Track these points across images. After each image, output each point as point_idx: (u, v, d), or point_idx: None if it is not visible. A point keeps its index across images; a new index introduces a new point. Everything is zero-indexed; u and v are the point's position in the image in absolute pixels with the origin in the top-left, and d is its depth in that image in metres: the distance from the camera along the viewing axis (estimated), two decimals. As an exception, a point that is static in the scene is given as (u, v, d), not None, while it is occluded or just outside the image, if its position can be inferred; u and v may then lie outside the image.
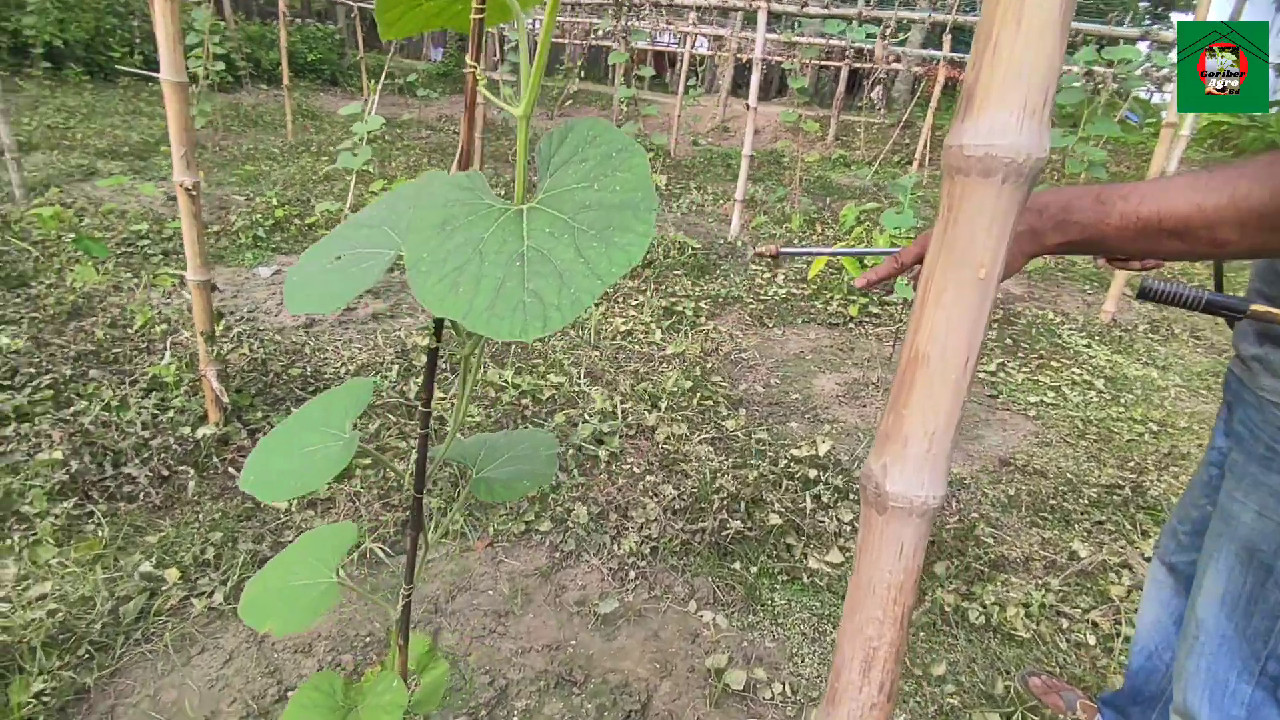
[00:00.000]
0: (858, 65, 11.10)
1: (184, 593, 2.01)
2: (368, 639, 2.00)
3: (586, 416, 2.96)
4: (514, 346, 3.61)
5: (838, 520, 2.55)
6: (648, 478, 2.66)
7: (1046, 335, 4.66)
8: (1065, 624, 2.25)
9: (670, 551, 2.40)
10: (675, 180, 8.21)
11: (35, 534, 2.07)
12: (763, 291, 4.86)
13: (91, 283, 3.64)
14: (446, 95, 13.75)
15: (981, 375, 4.02)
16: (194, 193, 2.32)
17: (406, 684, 1.16)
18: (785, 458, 2.91)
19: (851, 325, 4.55)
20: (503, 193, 0.67)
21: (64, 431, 2.36)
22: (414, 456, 0.93)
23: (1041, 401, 3.77)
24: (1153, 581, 1.60)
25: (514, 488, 0.99)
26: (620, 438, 2.90)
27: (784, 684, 1.97)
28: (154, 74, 2.23)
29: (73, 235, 3.88)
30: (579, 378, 3.32)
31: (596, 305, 4.31)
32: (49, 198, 4.95)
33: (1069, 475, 3.07)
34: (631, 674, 1.98)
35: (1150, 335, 4.99)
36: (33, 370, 2.70)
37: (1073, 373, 4.12)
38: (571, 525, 2.44)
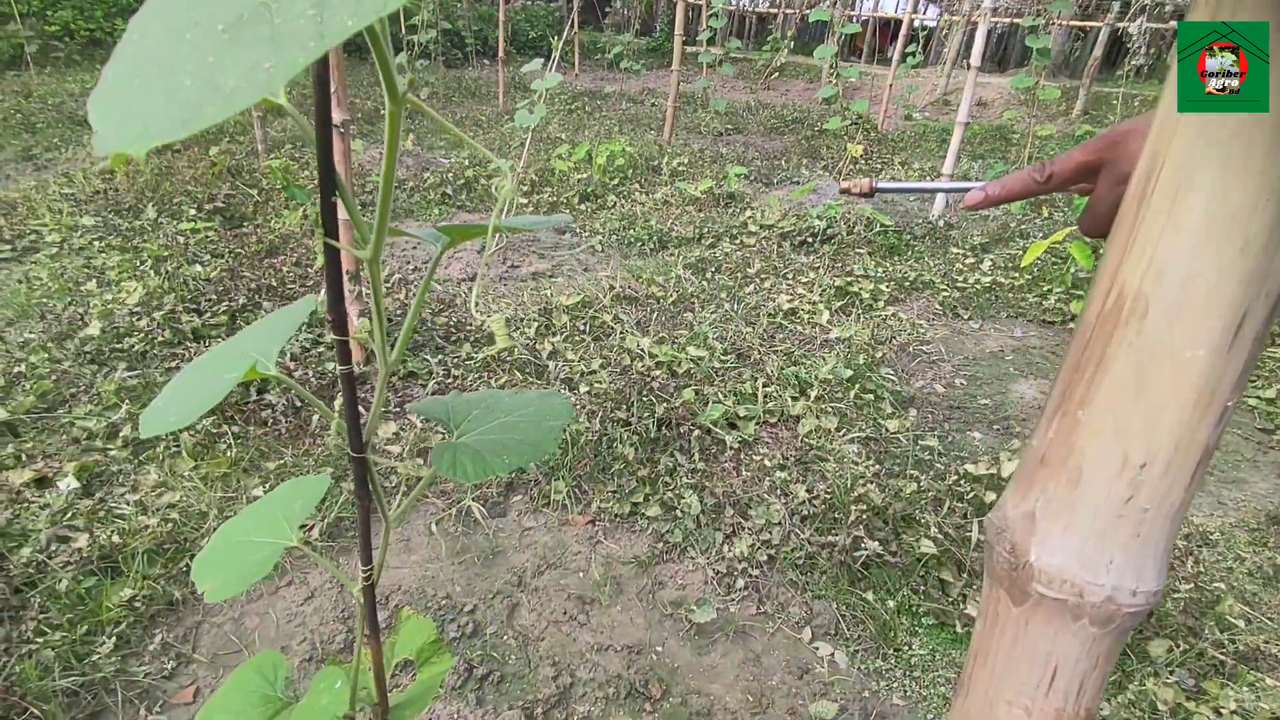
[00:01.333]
0: (1121, 25, 9.33)
1: (287, 522, 2.03)
2: (444, 600, 1.88)
3: (721, 396, 2.64)
4: (655, 314, 3.37)
5: (1015, 560, 2.01)
6: (779, 473, 2.30)
7: (1363, 360, 3.49)
8: (1354, 765, 1.57)
9: (791, 564, 2.03)
10: (878, 154, 7.45)
11: (179, 446, 2.21)
12: (962, 278, 4.17)
13: (292, 225, 3.96)
14: (653, 69, 13.78)
15: (1253, 402, 3.09)
16: (342, 130, 2.33)
17: (387, 680, 0.96)
18: (956, 473, 2.38)
19: (1072, 325, 3.73)
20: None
21: (222, 354, 2.51)
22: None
23: (1345, 446, 2.80)
24: None
25: (488, 463, 0.73)
26: (756, 424, 2.55)
27: (907, 758, 1.55)
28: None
29: (285, 184, 4.27)
30: (724, 353, 3.00)
31: (760, 280, 3.94)
32: (283, 153, 5.55)
33: (1382, 552, 2.21)
34: (718, 701, 1.67)
35: None
36: (215, 298, 2.94)
37: (1402, 413, 3.03)
38: (681, 515, 2.16)
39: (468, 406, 0.84)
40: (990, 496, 2.22)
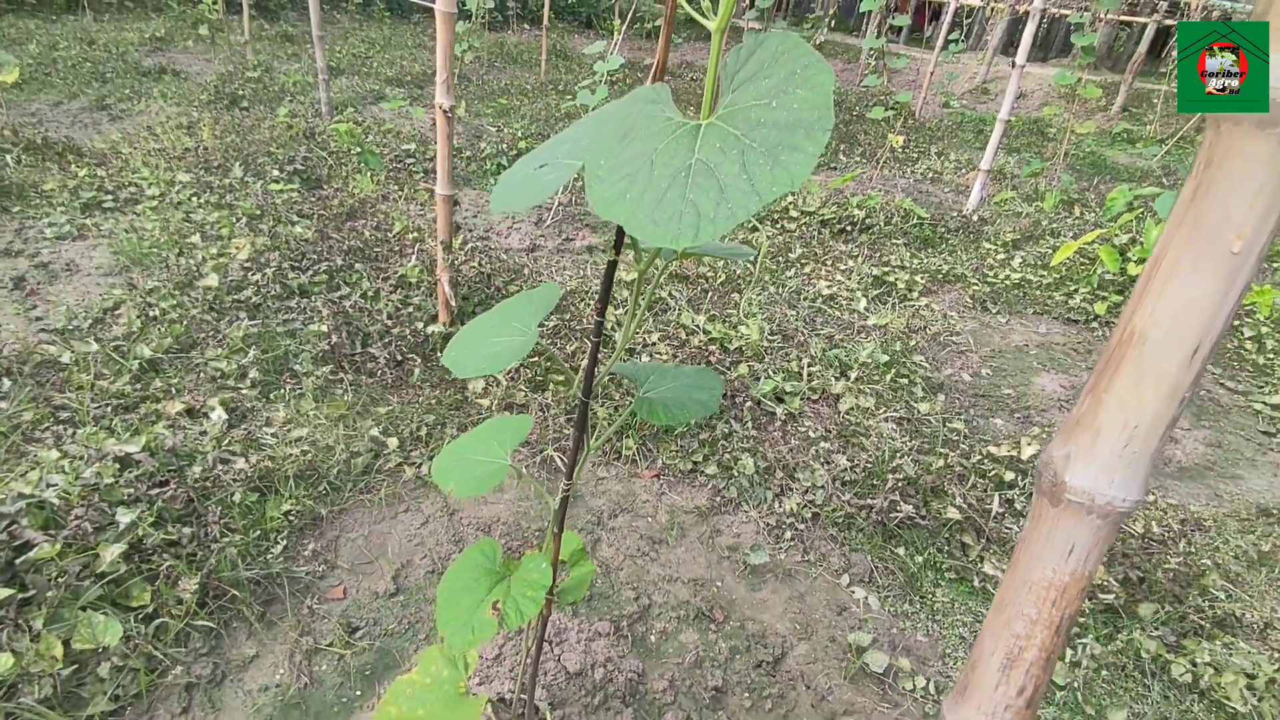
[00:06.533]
0: (1169, 22, 9.32)
1: (400, 459, 2.36)
2: (536, 532, 2.20)
3: (770, 373, 2.93)
4: (710, 294, 3.65)
5: (1028, 530, 2.31)
6: (822, 444, 2.59)
7: (1367, 372, 3.72)
8: (1304, 712, 1.87)
9: (832, 521, 2.34)
10: (914, 144, 7.60)
11: (301, 389, 2.53)
12: (993, 274, 4.40)
13: (367, 190, 4.24)
14: (692, 41, 13.81)
15: (1258, 407, 3.34)
16: (450, 115, 2.59)
17: (556, 572, 1.27)
18: (980, 453, 2.67)
19: (1095, 324, 3.98)
20: (693, 110, 0.68)
21: (330, 310, 2.82)
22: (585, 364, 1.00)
23: (1338, 450, 3.05)
24: None
25: (674, 414, 1.03)
26: (801, 399, 2.84)
27: (928, 680, 1.87)
28: (431, 4, 2.50)
29: (358, 149, 4.54)
30: (770, 333, 3.28)
31: (801, 264, 4.19)
32: (346, 116, 5.81)
33: (1356, 544, 2.48)
34: (770, 627, 2.00)
35: None
36: (315, 257, 3.25)
37: (1395, 424, 3.27)
38: (737, 475, 2.47)
39: (646, 371, 1.13)
40: (1009, 475, 2.51)
